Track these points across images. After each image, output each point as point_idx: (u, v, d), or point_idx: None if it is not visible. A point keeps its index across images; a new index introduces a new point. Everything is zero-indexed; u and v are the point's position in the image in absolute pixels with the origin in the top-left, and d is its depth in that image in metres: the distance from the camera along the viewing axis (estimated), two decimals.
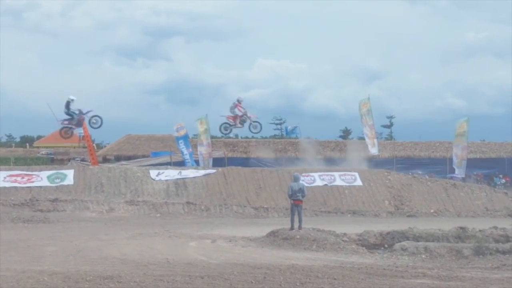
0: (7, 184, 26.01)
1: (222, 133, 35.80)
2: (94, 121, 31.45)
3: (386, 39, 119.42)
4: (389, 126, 68.49)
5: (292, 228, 18.16)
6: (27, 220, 21.91)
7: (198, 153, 33.76)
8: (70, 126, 31.77)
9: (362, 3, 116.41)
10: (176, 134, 33.60)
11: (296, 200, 18.61)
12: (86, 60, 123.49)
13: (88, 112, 31.21)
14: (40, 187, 26.31)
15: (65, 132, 32.35)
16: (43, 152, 48.57)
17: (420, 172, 33.17)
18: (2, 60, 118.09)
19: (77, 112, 30.89)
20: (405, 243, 16.12)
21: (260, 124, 34.54)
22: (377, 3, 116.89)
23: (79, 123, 31.19)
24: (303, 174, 26.11)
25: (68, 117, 31.11)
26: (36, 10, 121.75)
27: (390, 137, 64.33)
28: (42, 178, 26.82)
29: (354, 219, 24.84)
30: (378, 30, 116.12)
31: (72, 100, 30.87)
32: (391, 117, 68.79)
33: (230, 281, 11.87)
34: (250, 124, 33.91)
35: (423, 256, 15.16)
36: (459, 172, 32.17)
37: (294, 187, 18.67)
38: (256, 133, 35.70)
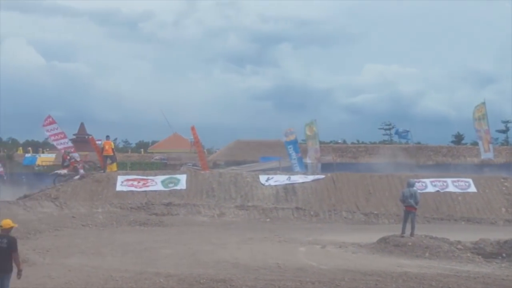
0: (125, 188, 27.02)
1: None
2: None
3: (500, 41, 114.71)
4: (505, 131, 66.20)
5: (402, 234, 17.83)
6: (143, 223, 22.68)
7: (307, 158, 33.77)
8: None
9: (474, 5, 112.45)
10: (285, 139, 33.75)
11: (408, 206, 18.29)
12: (197, 67, 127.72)
13: None
14: (155, 191, 27.10)
15: None
16: (157, 158, 50.24)
17: None
18: (119, 69, 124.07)
19: None
20: None
21: None
22: (489, 5, 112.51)
23: None
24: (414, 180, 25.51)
25: None
26: (150, 20, 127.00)
27: (506, 142, 61.89)
28: (156, 182, 27.66)
29: (468, 227, 23.95)
30: (491, 32, 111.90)
31: None
32: (507, 122, 66.44)
33: (341, 287, 11.85)
34: None
35: None
36: None
37: (406, 193, 18.38)
38: None
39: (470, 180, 27.87)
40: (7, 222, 10.23)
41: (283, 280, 12.43)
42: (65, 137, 29.43)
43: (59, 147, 30.42)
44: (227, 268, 14.08)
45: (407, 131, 42.42)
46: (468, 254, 16.09)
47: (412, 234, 17.73)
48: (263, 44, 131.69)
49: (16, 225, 10.46)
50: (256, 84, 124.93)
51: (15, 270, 9.94)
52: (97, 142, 33.24)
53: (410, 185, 18.71)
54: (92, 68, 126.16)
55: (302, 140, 35.68)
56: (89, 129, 60.79)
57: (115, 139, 63.78)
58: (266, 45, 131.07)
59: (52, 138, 29.77)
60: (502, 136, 65.73)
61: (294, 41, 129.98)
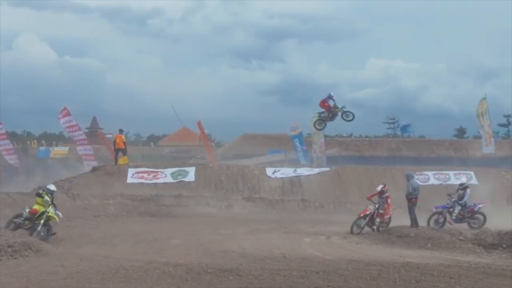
0: (135, 180, 27.42)
1: None
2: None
3: (502, 37, 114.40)
4: (507, 125, 66.63)
5: (417, 226, 18.28)
6: (152, 214, 23.08)
7: (312, 151, 34.07)
8: None
9: (475, 1, 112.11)
10: (291, 133, 34.09)
11: (416, 198, 18.89)
12: (205, 62, 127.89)
13: None
14: (165, 183, 27.46)
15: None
16: (167, 151, 50.59)
17: None
18: (129, 64, 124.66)
19: None
20: None
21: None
22: (490, 1, 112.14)
23: None
24: (417, 172, 25.79)
25: None
26: (159, 16, 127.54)
27: (508, 136, 62.27)
28: (166, 175, 28.02)
29: None
30: (492, 28, 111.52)
31: None
32: (508, 116, 66.84)
33: (344, 277, 12.00)
34: None
35: None
36: None
37: (410, 186, 19.00)
38: None
39: (472, 173, 28.15)
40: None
41: (288, 270, 12.61)
42: (79, 129, 29.87)
43: (74, 139, 30.87)
44: (234, 258, 14.29)
45: (409, 124, 42.54)
46: (469, 245, 16.32)
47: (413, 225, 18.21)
48: (269, 40, 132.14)
49: None
50: (263, 79, 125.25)
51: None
52: (108, 135, 33.54)
53: (411, 177, 19.26)
54: (103, 63, 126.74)
55: (308, 134, 35.96)
56: (101, 122, 61.11)
57: (127, 132, 63.96)
58: (272, 40, 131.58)
59: (68, 130, 30.20)
60: (503, 130, 66.14)
61: (299, 36, 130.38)
